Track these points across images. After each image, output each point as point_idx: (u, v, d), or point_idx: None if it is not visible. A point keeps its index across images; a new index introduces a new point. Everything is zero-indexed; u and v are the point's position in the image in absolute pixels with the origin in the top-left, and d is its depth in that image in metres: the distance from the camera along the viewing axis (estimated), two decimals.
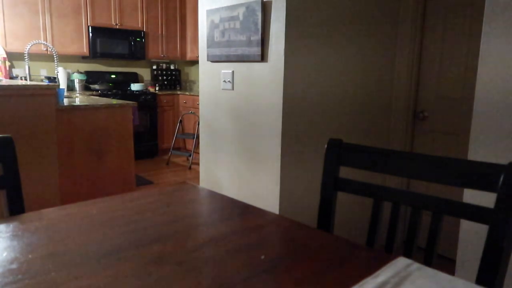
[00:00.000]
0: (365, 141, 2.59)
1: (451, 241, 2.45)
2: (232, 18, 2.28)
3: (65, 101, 3.31)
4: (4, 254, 0.84)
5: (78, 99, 3.72)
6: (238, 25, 2.24)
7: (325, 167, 1.23)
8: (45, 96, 2.72)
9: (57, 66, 3.77)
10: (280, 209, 2.17)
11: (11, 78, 4.89)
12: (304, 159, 2.25)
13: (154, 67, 6.28)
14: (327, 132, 2.34)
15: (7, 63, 4.74)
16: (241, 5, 2.21)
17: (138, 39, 5.74)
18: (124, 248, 0.88)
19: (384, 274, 0.77)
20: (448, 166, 1.02)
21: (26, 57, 3.63)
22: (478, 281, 0.92)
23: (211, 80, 2.55)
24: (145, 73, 6.31)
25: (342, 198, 1.38)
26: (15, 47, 4.74)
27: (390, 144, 2.77)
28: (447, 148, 2.60)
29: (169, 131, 5.97)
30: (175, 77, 6.50)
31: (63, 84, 5.13)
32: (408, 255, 1.04)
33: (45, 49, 5.00)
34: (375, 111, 2.63)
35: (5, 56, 4.66)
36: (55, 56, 3.66)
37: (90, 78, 5.58)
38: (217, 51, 2.42)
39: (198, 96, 3.33)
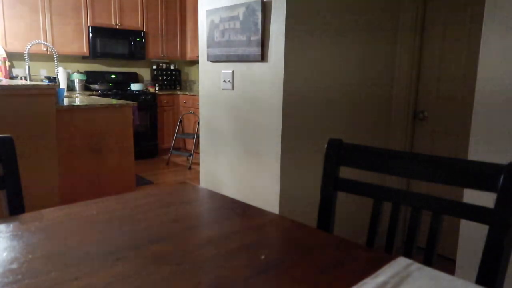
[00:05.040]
0: (365, 141, 2.59)
1: (451, 241, 2.45)
2: (232, 18, 2.28)
3: (65, 101, 3.31)
4: (4, 254, 0.84)
5: (78, 99, 3.72)
6: (238, 25, 2.24)
7: (325, 167, 1.23)
8: (45, 96, 2.72)
9: (57, 66, 3.77)
10: (280, 209, 2.17)
11: (11, 78, 4.89)
12: (304, 159, 2.25)
13: (154, 67, 6.28)
14: (327, 132, 2.34)
15: (7, 63, 4.74)
16: (241, 5, 2.21)
17: (138, 39, 5.74)
18: (124, 248, 0.88)
19: (384, 274, 0.77)
20: (448, 166, 1.02)
21: (26, 57, 3.63)
22: (478, 281, 0.92)
23: (211, 80, 2.55)
24: (145, 73, 6.31)
25: (342, 198, 1.38)
26: (15, 47, 4.74)
27: (390, 144, 2.77)
28: (447, 148, 2.60)
29: (169, 131, 5.97)
30: (175, 77, 6.50)
31: (63, 84, 5.13)
32: (408, 255, 1.04)
33: (45, 49, 5.00)
34: (375, 111, 2.63)
35: (5, 56, 4.67)
36: (55, 56, 3.66)
37: (90, 78, 5.58)
38: (217, 51, 2.42)
39: (198, 96, 3.33)
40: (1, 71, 4.64)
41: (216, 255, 0.86)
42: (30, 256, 0.83)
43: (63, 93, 3.28)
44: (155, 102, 5.77)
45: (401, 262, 0.83)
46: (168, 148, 5.70)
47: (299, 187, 2.25)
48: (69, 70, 5.47)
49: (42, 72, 5.29)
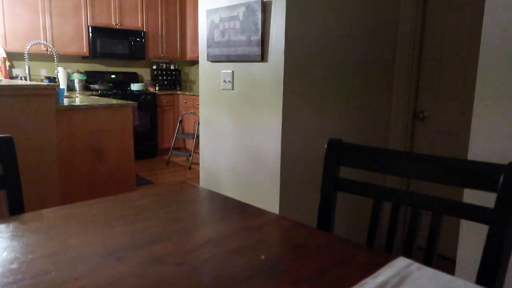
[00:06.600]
0: (365, 141, 2.59)
1: (451, 241, 2.45)
2: (232, 18, 2.28)
3: (65, 101, 3.31)
4: (4, 254, 0.84)
5: (78, 99, 3.72)
6: (238, 25, 2.24)
7: (325, 167, 1.23)
8: (45, 96, 2.72)
9: (57, 66, 3.77)
10: (280, 209, 2.17)
11: (11, 78, 4.89)
12: (304, 158, 2.25)
13: (154, 67, 6.28)
14: (327, 132, 2.34)
15: (7, 63, 4.74)
16: (241, 5, 2.21)
17: (138, 39, 5.74)
18: (124, 248, 0.88)
19: (384, 274, 0.77)
20: (448, 166, 1.02)
21: (26, 57, 3.63)
22: (478, 281, 0.92)
23: (211, 80, 2.55)
24: (145, 73, 6.31)
25: (342, 198, 1.38)
26: (15, 47, 4.74)
27: (390, 144, 2.77)
28: (447, 148, 2.60)
29: (169, 131, 5.97)
30: (175, 77, 6.50)
31: (63, 84, 5.13)
32: (408, 255, 1.04)
33: (45, 49, 5.00)
34: (375, 111, 2.63)
35: (5, 56, 4.66)
36: (55, 56, 3.66)
37: (90, 78, 5.58)
38: (217, 51, 2.42)
39: (198, 96, 3.34)
40: (1, 71, 4.64)
41: (216, 255, 0.86)
42: (30, 256, 0.83)
43: (63, 93, 3.28)
44: (155, 102, 5.77)
45: (401, 262, 0.83)
46: (168, 148, 5.71)
47: (299, 187, 2.25)
48: (69, 70, 5.47)
49: (42, 72, 5.29)
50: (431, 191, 1.16)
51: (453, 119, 2.56)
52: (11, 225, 1.00)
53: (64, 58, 5.45)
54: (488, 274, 0.91)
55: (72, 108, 3.05)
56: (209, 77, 2.56)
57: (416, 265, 0.81)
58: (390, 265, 0.81)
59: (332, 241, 0.95)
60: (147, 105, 5.67)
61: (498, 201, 0.92)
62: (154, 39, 5.97)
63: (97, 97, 4.18)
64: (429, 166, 1.05)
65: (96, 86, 5.49)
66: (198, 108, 3.29)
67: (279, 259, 0.85)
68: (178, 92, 6.02)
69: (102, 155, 3.27)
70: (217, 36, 2.41)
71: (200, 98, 2.68)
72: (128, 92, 5.61)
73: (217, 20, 2.39)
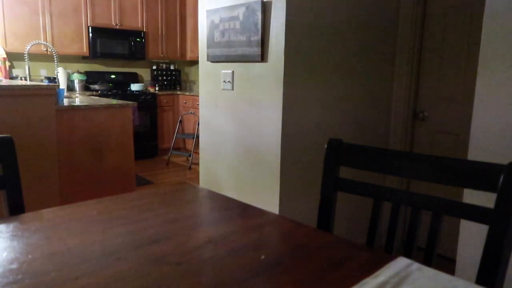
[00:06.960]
0: (365, 141, 2.59)
1: (451, 241, 2.45)
2: (232, 18, 2.28)
3: (65, 101, 3.31)
4: (4, 254, 0.84)
5: (78, 99, 3.72)
6: (238, 25, 2.24)
7: (325, 167, 1.23)
8: (45, 96, 2.72)
9: (57, 66, 3.76)
10: (280, 209, 2.17)
11: (11, 78, 4.89)
12: (304, 159, 2.25)
13: (154, 67, 6.27)
14: (327, 132, 2.34)
15: (7, 63, 4.74)
16: (241, 5, 2.21)
17: (138, 39, 5.74)
18: (124, 248, 0.88)
19: (384, 274, 0.77)
20: (448, 166, 1.02)
21: (26, 57, 3.63)
22: (478, 281, 0.92)
23: (211, 80, 2.55)
24: (145, 73, 6.31)
25: (342, 198, 1.38)
26: (15, 47, 4.74)
27: (390, 144, 2.76)
28: (447, 148, 2.60)
29: (169, 131, 5.97)
30: (175, 77, 6.50)
31: (63, 84, 5.13)
32: (408, 255, 1.04)
33: (45, 49, 5.00)
34: (375, 111, 2.63)
35: (5, 56, 4.66)
36: (55, 56, 3.66)
37: (90, 78, 5.58)
38: (217, 51, 2.42)
39: (198, 96, 3.33)
40: (1, 71, 4.64)
41: (216, 255, 0.86)
42: (30, 256, 0.83)
43: (63, 93, 3.28)
44: (155, 102, 5.77)
45: (401, 262, 0.83)
46: (168, 148, 5.70)
47: (299, 187, 2.25)
48: (69, 70, 5.47)
49: (42, 72, 5.29)
50: (431, 191, 1.16)
51: (453, 119, 2.56)
52: (11, 225, 1.00)
53: (64, 58, 5.45)
54: (488, 274, 0.91)
55: (72, 108, 3.05)
56: (209, 77, 2.56)
57: (416, 265, 0.81)
58: (390, 265, 0.81)
59: (332, 241, 0.95)
60: (147, 105, 5.67)
61: (498, 201, 0.92)
62: (154, 39, 5.97)
63: (97, 97, 4.18)
64: (429, 166, 1.05)
65: (96, 86, 5.49)
66: (198, 108, 3.29)
67: (279, 259, 0.85)
68: (178, 92, 6.02)
69: (102, 155, 3.27)
70: (217, 36, 2.41)
71: (200, 98, 2.68)
72: (128, 92, 5.61)
73: (217, 20, 2.39)
